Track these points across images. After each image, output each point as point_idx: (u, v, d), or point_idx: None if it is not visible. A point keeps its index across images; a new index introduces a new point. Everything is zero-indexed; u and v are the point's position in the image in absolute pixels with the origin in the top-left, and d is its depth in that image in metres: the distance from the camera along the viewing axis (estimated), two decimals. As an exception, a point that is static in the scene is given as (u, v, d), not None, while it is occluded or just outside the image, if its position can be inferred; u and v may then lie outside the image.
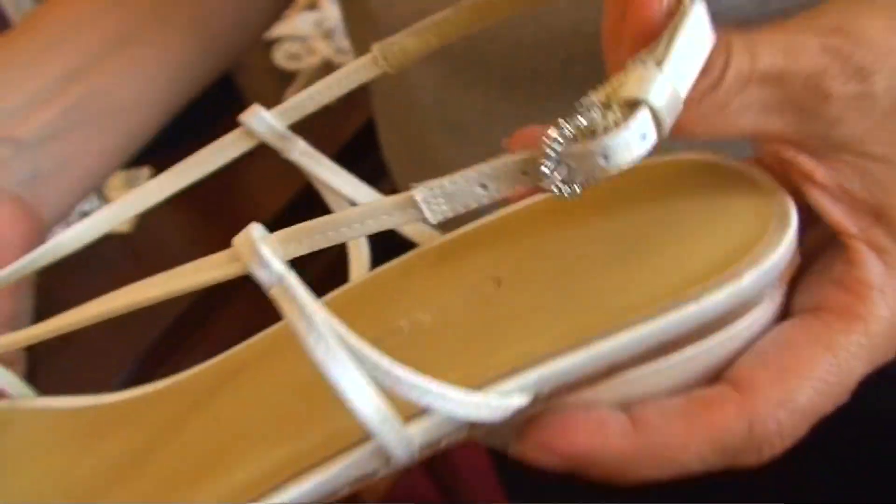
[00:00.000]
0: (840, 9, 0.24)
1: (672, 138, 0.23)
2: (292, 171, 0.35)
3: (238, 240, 0.23)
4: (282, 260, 0.23)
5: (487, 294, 0.28)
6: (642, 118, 0.21)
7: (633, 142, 0.21)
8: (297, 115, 0.33)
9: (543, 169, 0.22)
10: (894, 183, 0.24)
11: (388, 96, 0.50)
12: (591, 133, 0.21)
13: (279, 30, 0.80)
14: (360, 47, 0.49)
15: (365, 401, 0.23)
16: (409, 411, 0.24)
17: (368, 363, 0.23)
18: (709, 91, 0.23)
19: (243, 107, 0.35)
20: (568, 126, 0.21)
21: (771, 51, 0.23)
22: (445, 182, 0.23)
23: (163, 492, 0.28)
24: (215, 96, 0.78)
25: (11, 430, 0.33)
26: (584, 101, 0.21)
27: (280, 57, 0.77)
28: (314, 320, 0.22)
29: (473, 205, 0.23)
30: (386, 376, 0.23)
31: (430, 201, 0.23)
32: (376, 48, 0.31)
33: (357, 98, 0.38)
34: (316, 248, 0.24)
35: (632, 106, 0.21)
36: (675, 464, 0.23)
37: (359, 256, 0.33)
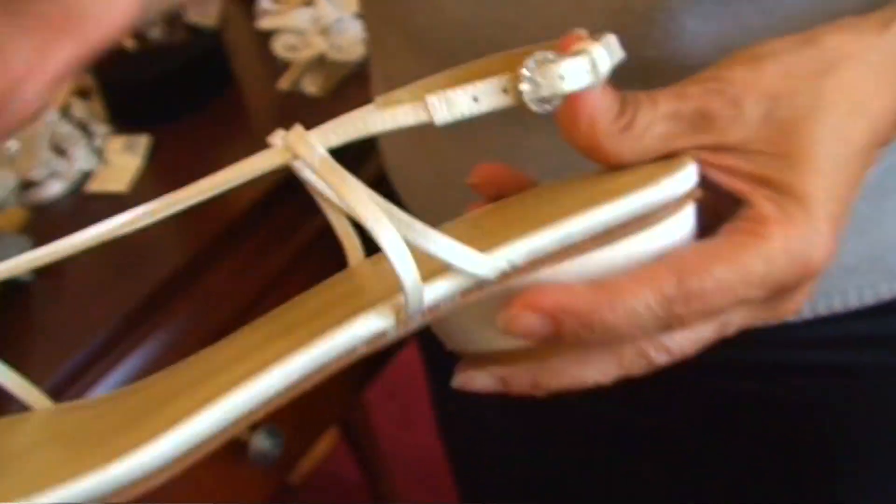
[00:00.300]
0: (714, 68, 0.36)
1: (606, 163, 0.35)
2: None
3: (289, 135, 0.31)
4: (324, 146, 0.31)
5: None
6: (587, 56, 0.33)
7: (581, 70, 0.32)
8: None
9: (521, 87, 0.33)
10: (772, 164, 0.34)
11: None
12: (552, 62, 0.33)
13: (278, 22, 0.86)
14: (381, 49, 0.56)
15: (399, 253, 0.30)
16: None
17: (402, 222, 0.31)
18: (626, 130, 0.34)
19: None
20: (537, 58, 0.33)
21: (667, 98, 0.35)
22: (449, 92, 0.32)
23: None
24: (212, 76, 0.85)
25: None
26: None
27: (279, 47, 0.83)
28: (356, 186, 0.30)
29: (468, 114, 0.32)
30: (417, 233, 0.31)
31: (436, 105, 0.32)
32: (379, 100, 0.37)
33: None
34: (349, 139, 0.32)
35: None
36: (628, 308, 0.32)
37: (354, 246, 0.40)
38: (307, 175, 0.33)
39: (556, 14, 0.43)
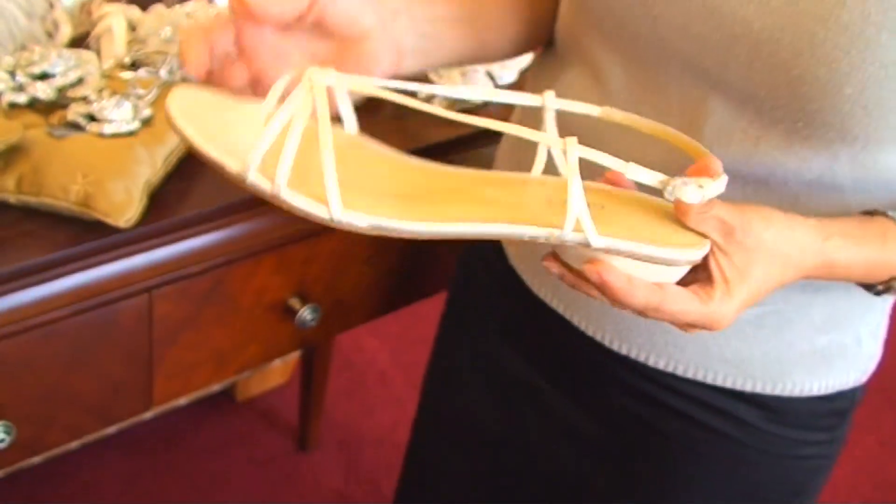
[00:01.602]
0: (748, 210, 0.62)
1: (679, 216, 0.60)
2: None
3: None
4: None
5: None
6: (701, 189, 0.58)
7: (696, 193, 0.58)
8: None
9: (665, 192, 0.59)
10: (734, 273, 0.62)
11: None
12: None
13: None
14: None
15: (581, 211, 0.56)
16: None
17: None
18: (703, 211, 0.59)
19: None
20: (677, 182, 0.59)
21: (726, 211, 0.60)
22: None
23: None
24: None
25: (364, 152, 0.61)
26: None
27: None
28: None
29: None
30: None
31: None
32: None
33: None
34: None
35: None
36: (630, 299, 0.59)
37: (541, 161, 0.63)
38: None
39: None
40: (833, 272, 0.66)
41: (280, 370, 1.99)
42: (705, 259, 0.62)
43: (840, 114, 0.64)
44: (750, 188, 0.70)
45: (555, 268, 0.63)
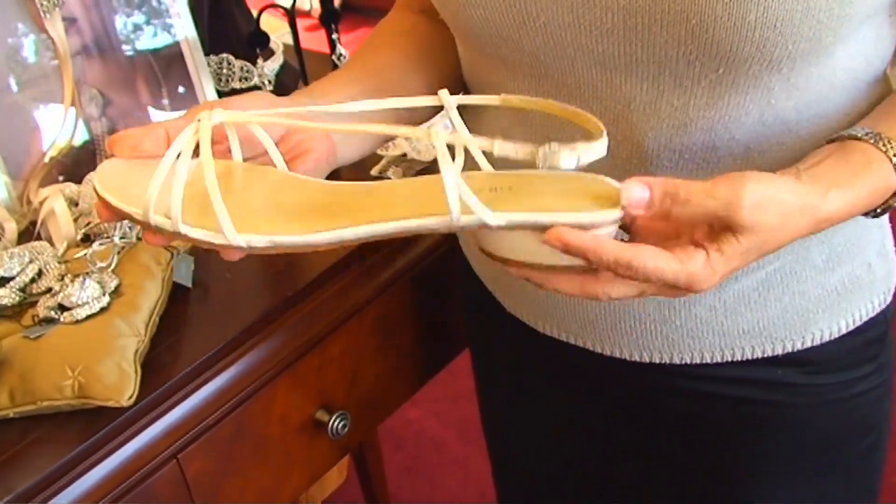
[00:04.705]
0: (732, 179, 0.58)
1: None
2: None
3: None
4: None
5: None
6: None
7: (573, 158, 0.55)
8: None
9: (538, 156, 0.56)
10: (721, 237, 0.59)
11: None
12: None
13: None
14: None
15: (454, 195, 0.55)
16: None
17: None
18: (676, 218, 0.58)
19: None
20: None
21: (714, 202, 0.57)
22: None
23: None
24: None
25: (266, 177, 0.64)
26: None
27: (375, 144, 1.12)
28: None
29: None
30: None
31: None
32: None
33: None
34: None
35: None
36: (599, 253, 0.56)
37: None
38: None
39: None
40: (833, 222, 0.64)
41: (335, 472, 1.96)
42: (691, 226, 0.60)
43: (754, 42, 0.61)
44: (700, 159, 0.68)
45: (514, 270, 0.61)
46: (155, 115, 1.12)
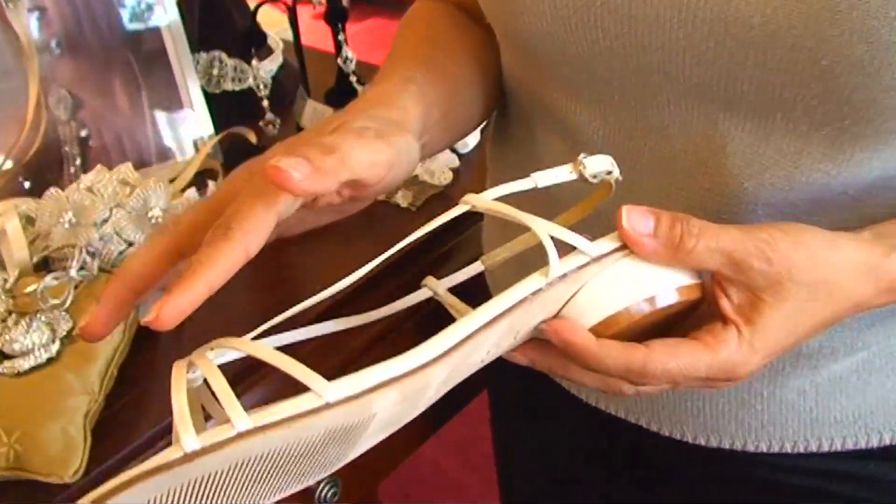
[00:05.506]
0: (771, 229, 0.49)
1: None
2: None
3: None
4: None
5: None
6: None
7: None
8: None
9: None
10: (756, 310, 0.49)
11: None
12: None
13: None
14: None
15: (548, 242, 0.48)
16: None
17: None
18: (687, 251, 0.48)
19: None
20: None
21: (731, 238, 0.48)
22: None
23: None
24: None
25: None
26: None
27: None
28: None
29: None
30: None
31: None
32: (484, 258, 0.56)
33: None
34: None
35: None
36: (605, 363, 0.48)
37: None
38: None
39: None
40: None
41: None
42: (713, 296, 0.50)
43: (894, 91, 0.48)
44: (801, 213, 0.56)
45: (519, 357, 0.52)
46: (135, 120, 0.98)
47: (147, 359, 0.78)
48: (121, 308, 0.47)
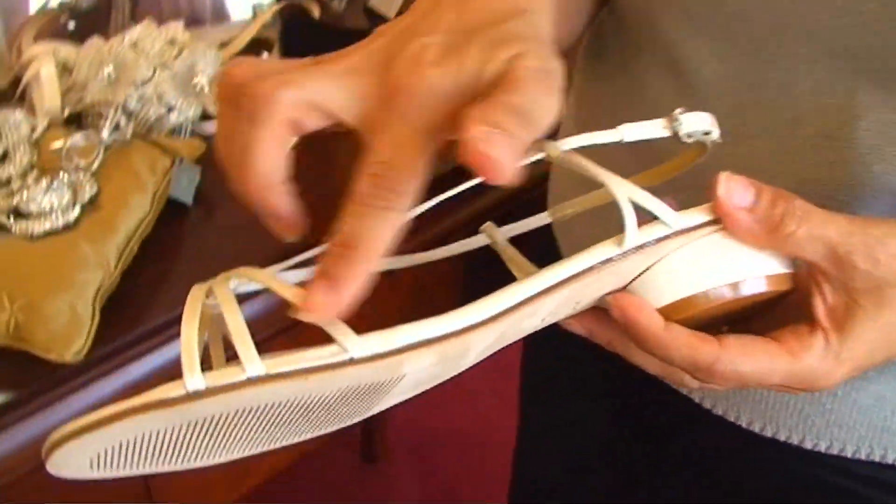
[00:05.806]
0: (885, 225, 0.42)
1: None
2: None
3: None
4: None
5: None
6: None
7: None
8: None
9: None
10: (851, 315, 0.42)
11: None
12: None
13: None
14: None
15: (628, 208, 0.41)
16: None
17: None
18: (786, 234, 0.42)
19: None
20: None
21: (836, 228, 0.41)
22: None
23: None
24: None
25: None
26: None
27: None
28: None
29: None
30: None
31: None
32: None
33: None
34: None
35: None
36: (672, 354, 0.42)
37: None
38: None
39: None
40: None
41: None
42: (805, 291, 0.43)
43: None
44: None
45: (577, 327, 0.47)
46: None
47: (173, 234, 0.74)
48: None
